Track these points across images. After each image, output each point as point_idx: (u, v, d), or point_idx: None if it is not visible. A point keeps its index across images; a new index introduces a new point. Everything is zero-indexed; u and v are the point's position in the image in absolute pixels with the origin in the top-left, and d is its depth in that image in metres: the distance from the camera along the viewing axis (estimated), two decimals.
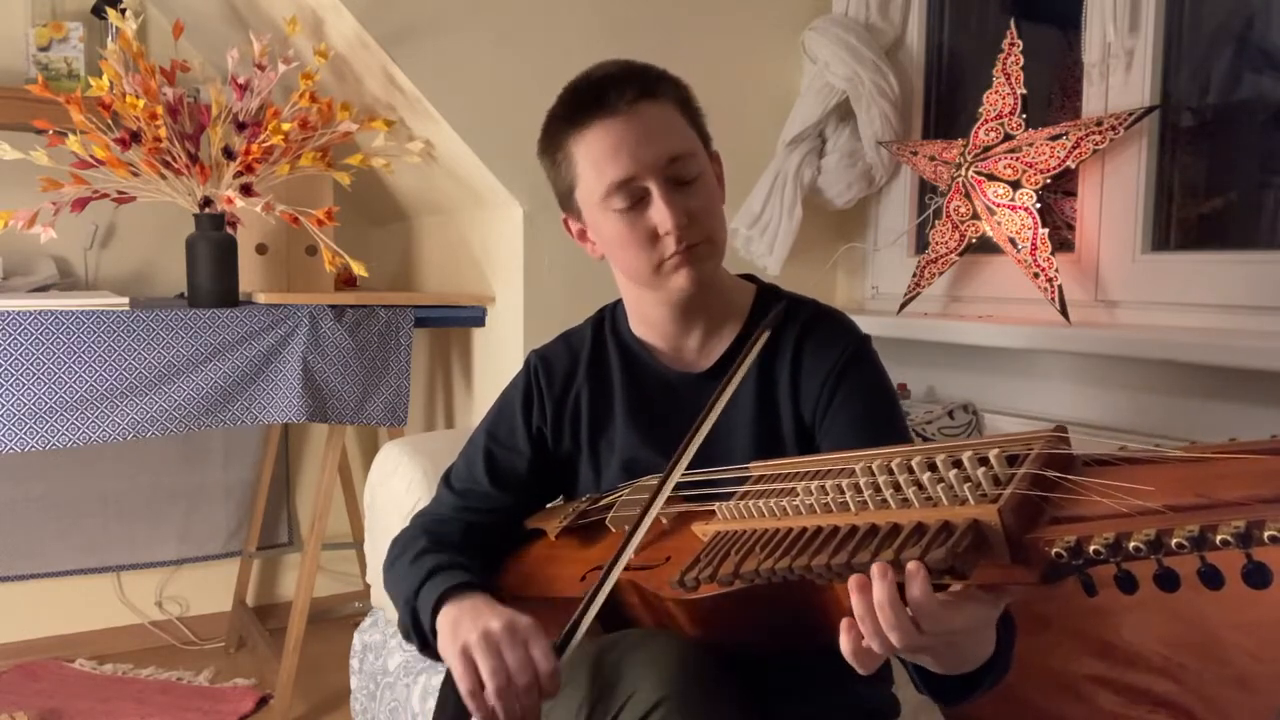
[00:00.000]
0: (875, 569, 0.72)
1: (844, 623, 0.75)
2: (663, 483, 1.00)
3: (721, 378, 1.17)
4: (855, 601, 0.73)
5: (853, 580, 0.74)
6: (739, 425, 1.14)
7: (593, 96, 1.08)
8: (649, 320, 1.19)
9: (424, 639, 1.09)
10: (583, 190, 1.11)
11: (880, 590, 0.72)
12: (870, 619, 0.73)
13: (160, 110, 1.98)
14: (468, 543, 1.17)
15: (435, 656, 1.11)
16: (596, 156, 1.08)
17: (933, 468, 0.75)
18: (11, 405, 1.86)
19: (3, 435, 1.86)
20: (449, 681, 1.16)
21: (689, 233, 1.08)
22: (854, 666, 0.76)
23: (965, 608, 0.73)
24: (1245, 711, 1.24)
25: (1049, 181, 1.78)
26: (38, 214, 1.93)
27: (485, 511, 1.21)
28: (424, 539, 1.17)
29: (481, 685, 0.93)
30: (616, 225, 1.09)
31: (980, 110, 1.86)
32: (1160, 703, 1.30)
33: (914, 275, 2.01)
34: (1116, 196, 1.77)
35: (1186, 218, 1.75)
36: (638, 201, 1.08)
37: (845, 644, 0.75)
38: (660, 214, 1.07)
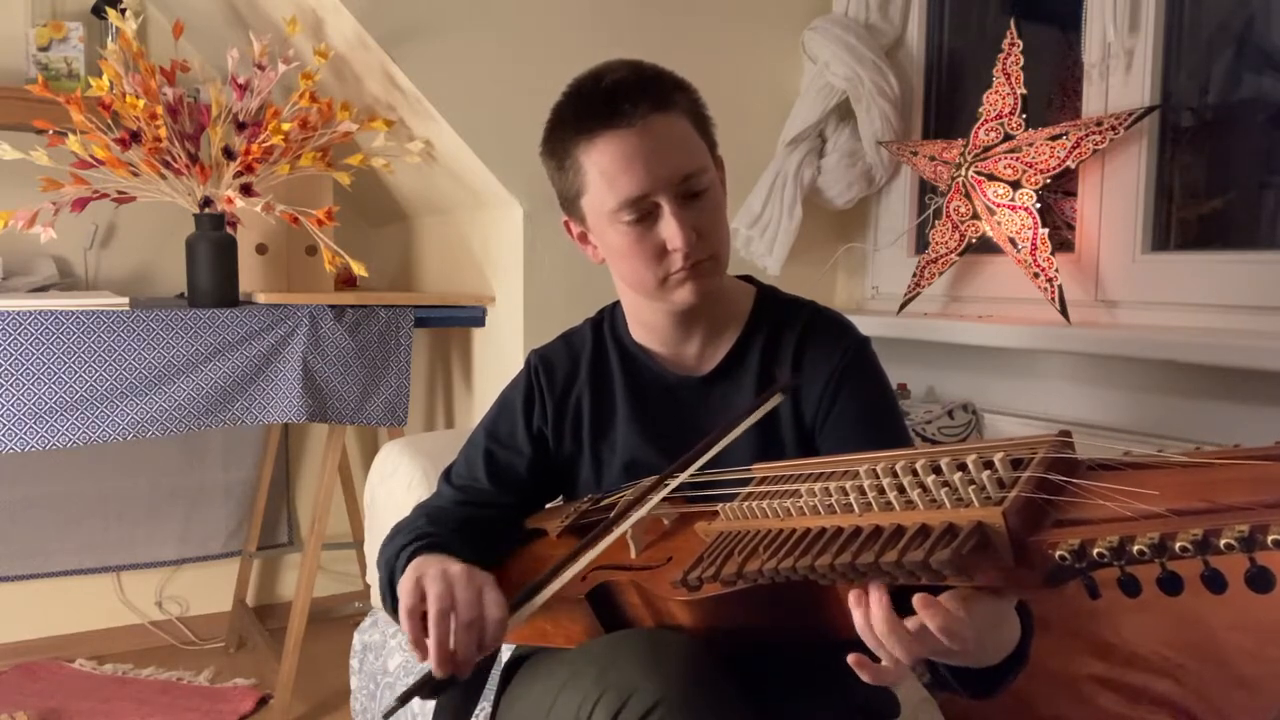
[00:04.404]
0: (873, 595, 0.73)
1: (853, 658, 0.75)
2: (661, 480, 1.00)
3: (723, 382, 1.17)
4: (856, 617, 0.75)
5: (851, 596, 0.75)
6: None
7: (603, 104, 1.05)
8: (649, 326, 1.19)
9: (395, 596, 1.08)
10: (590, 199, 1.10)
11: (880, 617, 0.73)
12: (871, 636, 0.74)
13: (160, 110, 1.98)
14: (465, 532, 1.16)
15: None
16: (607, 168, 1.06)
17: (937, 470, 0.75)
18: (11, 405, 1.86)
19: (3, 435, 1.86)
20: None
21: (697, 249, 1.07)
22: (884, 685, 0.77)
23: (979, 601, 0.74)
24: (1245, 711, 1.24)
25: (1049, 181, 1.78)
26: (38, 214, 1.93)
27: (484, 507, 1.21)
28: (423, 520, 1.17)
29: (424, 609, 0.93)
30: (624, 237, 1.08)
31: (980, 110, 1.86)
32: (1160, 703, 1.30)
33: (914, 275, 2.01)
34: (1116, 196, 1.77)
35: (1186, 218, 1.75)
36: (646, 215, 1.07)
37: (865, 676, 0.76)
38: (670, 230, 1.06)
